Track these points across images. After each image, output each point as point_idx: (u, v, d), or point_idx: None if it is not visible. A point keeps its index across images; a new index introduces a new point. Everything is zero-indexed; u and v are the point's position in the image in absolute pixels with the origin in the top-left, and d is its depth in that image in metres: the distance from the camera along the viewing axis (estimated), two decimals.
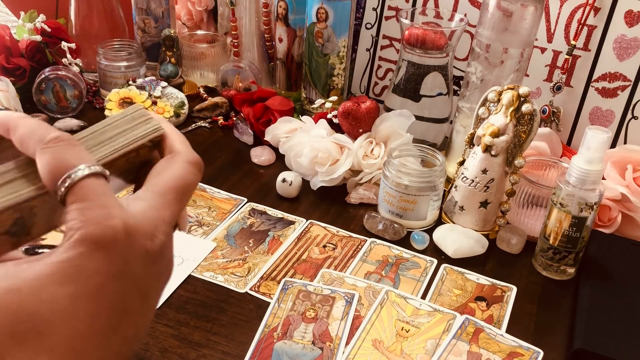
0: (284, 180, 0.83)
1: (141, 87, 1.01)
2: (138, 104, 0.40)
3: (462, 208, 0.77)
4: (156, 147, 0.38)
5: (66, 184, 0.31)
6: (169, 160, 0.37)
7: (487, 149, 0.73)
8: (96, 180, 0.32)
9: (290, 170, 0.86)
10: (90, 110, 1.04)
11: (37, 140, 0.32)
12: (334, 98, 0.95)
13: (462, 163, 0.79)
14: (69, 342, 0.30)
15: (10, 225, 0.32)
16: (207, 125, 1.01)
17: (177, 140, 0.38)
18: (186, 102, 1.02)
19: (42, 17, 1.02)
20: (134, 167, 0.37)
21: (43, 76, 0.98)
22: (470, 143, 0.77)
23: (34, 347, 0.29)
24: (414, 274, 0.71)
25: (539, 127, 0.73)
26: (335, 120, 0.87)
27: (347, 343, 0.60)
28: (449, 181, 0.83)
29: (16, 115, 0.34)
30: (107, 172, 0.33)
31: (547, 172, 0.81)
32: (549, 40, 0.88)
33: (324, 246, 0.75)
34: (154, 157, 0.38)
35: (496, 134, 0.72)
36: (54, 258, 0.30)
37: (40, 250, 0.38)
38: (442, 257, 0.75)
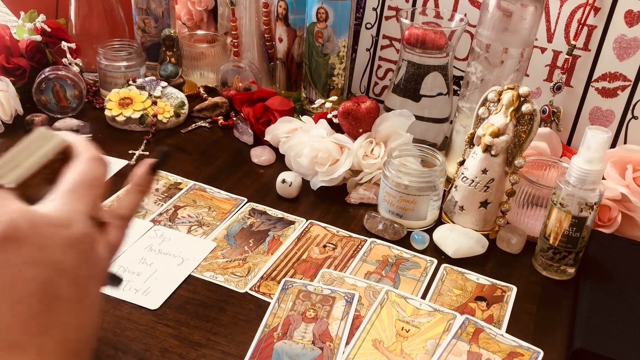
0: (283, 181, 0.83)
1: (141, 87, 1.01)
2: (40, 128, 0.44)
3: (462, 208, 0.77)
4: (67, 158, 0.42)
5: None
6: (72, 163, 0.41)
7: (487, 149, 0.73)
8: None
9: (290, 170, 0.86)
10: (90, 110, 1.04)
11: None
12: (334, 98, 0.95)
13: (462, 163, 0.79)
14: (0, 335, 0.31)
15: None
16: (207, 125, 1.01)
17: (78, 145, 0.42)
18: (186, 102, 1.02)
19: (42, 17, 1.02)
20: (54, 180, 0.41)
21: (43, 76, 0.98)
22: (470, 143, 0.77)
23: None
24: (414, 274, 0.71)
25: (539, 127, 0.73)
26: (335, 120, 0.87)
27: (347, 343, 0.60)
28: (449, 181, 0.83)
29: None
30: (11, 185, 0.37)
31: (547, 172, 0.81)
32: (549, 40, 0.88)
33: (324, 246, 0.75)
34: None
35: (496, 134, 0.72)
36: None
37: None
38: (442, 257, 0.75)
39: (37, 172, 0.40)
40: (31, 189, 0.38)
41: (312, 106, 0.98)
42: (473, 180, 0.75)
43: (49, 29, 1.02)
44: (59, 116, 0.99)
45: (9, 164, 0.39)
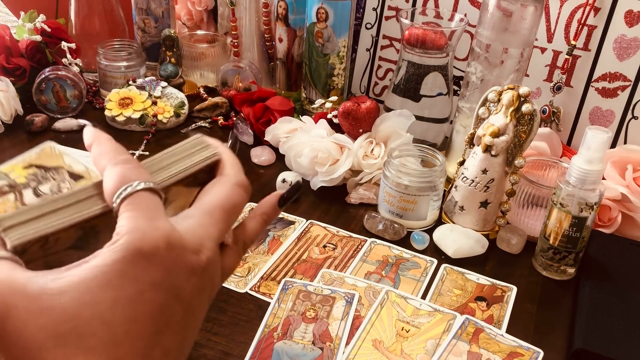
0: (284, 181, 0.83)
1: (141, 87, 1.01)
2: (198, 135, 0.43)
3: (462, 208, 0.77)
4: (213, 171, 0.40)
5: (122, 195, 0.34)
6: (217, 181, 0.40)
7: (487, 149, 0.73)
8: (149, 195, 0.35)
9: (290, 170, 0.86)
10: (90, 110, 1.04)
11: (108, 158, 0.37)
12: (334, 98, 0.95)
13: (462, 163, 0.79)
14: (106, 345, 0.31)
15: (75, 240, 0.35)
16: (207, 125, 1.01)
17: (228, 163, 0.41)
18: (186, 102, 1.02)
19: (42, 17, 1.02)
20: (194, 189, 0.40)
21: (43, 76, 0.98)
22: (470, 143, 0.77)
23: (73, 347, 0.30)
24: (414, 274, 0.71)
25: (539, 127, 0.73)
26: (335, 120, 0.87)
27: (347, 343, 0.60)
28: (449, 181, 0.83)
29: (104, 136, 0.40)
30: (162, 192, 0.36)
31: (547, 172, 0.81)
32: (549, 40, 0.88)
33: (324, 246, 0.75)
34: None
35: (496, 134, 0.72)
36: (99, 262, 0.32)
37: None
38: (442, 257, 0.75)
39: (181, 180, 0.39)
40: (169, 193, 0.38)
41: (312, 106, 0.98)
42: (473, 181, 0.75)
43: (49, 29, 1.02)
44: (59, 116, 0.99)
45: (156, 164, 0.39)
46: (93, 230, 0.35)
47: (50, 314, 0.30)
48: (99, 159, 0.37)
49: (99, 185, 0.36)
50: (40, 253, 0.33)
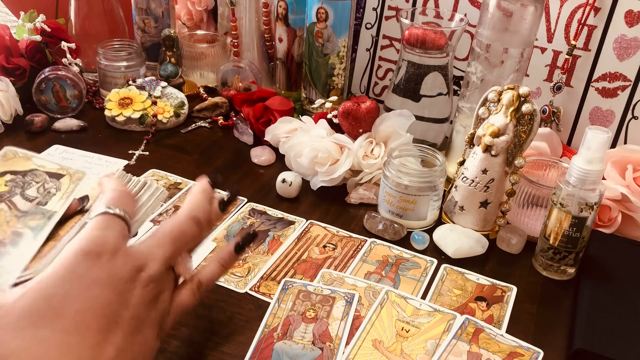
0: (283, 181, 0.83)
1: (141, 87, 1.01)
2: (152, 183, 0.55)
3: (462, 208, 0.77)
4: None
5: (99, 211, 0.43)
6: (174, 215, 0.47)
7: (487, 149, 0.73)
8: (117, 221, 0.42)
9: (290, 170, 0.86)
10: (90, 110, 1.04)
11: (111, 184, 0.47)
12: (334, 98, 0.95)
13: (462, 163, 0.79)
14: (57, 335, 0.35)
15: None
16: (207, 125, 1.01)
17: (188, 202, 0.49)
18: (186, 102, 1.02)
19: (42, 17, 1.02)
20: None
21: (43, 76, 0.98)
22: (470, 143, 0.77)
23: (29, 339, 0.34)
24: (414, 274, 0.71)
25: (539, 127, 0.73)
26: (335, 120, 0.87)
27: (347, 343, 0.60)
28: (449, 181, 0.83)
29: (114, 178, 0.51)
30: (130, 222, 0.44)
31: (547, 172, 0.81)
32: (549, 40, 0.88)
33: (324, 246, 0.75)
34: None
35: (496, 134, 0.72)
36: (52, 265, 0.38)
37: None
38: (442, 257, 0.75)
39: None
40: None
41: (312, 106, 0.98)
42: (473, 181, 0.75)
43: (48, 29, 1.02)
44: (59, 116, 0.99)
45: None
46: None
47: (10, 314, 0.35)
48: (102, 187, 0.48)
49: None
50: None
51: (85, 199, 0.57)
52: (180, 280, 0.49)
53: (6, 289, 0.39)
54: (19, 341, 0.34)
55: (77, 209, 0.56)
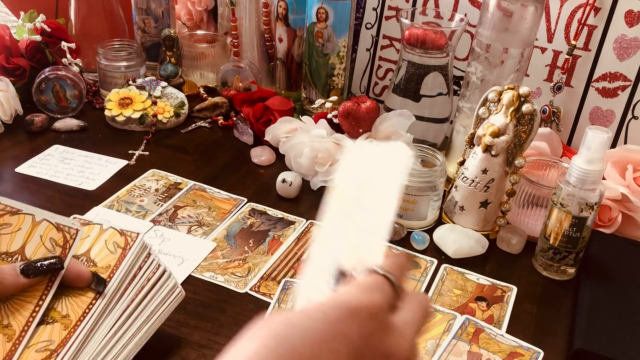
0: (283, 181, 0.83)
1: (141, 87, 1.01)
2: None
3: (462, 208, 0.77)
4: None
5: (372, 269, 0.38)
6: (413, 299, 0.40)
7: (487, 149, 0.73)
8: (387, 285, 0.38)
9: (290, 170, 0.86)
10: (90, 110, 1.04)
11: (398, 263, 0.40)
12: (334, 98, 0.95)
13: (462, 163, 0.79)
14: None
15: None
16: (207, 125, 1.01)
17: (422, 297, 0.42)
18: (186, 102, 1.02)
19: (42, 17, 1.02)
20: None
21: (43, 76, 0.98)
22: (471, 143, 0.77)
23: None
24: (414, 274, 0.71)
25: (539, 127, 0.73)
26: (335, 120, 0.87)
27: None
28: (449, 181, 0.83)
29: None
30: (399, 296, 0.38)
31: (547, 172, 0.81)
32: (549, 40, 0.88)
33: None
34: None
35: (496, 134, 0.72)
36: (325, 315, 0.34)
37: (37, 264, 0.48)
38: (442, 257, 0.74)
39: None
40: None
41: (312, 106, 0.98)
42: (473, 181, 0.75)
43: (48, 29, 1.02)
44: (59, 116, 0.99)
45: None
46: None
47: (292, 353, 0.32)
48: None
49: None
50: None
51: (101, 282, 0.51)
52: None
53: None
54: None
55: (89, 285, 0.51)
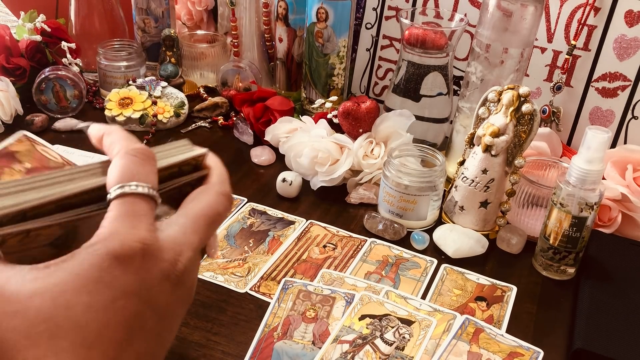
0: (284, 180, 0.83)
1: (141, 87, 1.01)
2: (183, 141, 0.43)
3: (462, 208, 0.77)
4: (197, 170, 0.41)
5: (117, 192, 0.34)
6: (203, 190, 0.40)
7: (487, 149, 0.73)
8: (141, 202, 0.35)
9: (290, 170, 0.86)
10: (90, 110, 1.04)
11: (120, 146, 0.37)
12: (334, 98, 0.95)
13: (462, 163, 0.79)
14: (77, 347, 0.31)
15: (54, 238, 0.35)
16: (207, 125, 1.01)
17: (214, 173, 0.42)
18: (186, 102, 1.02)
19: (42, 17, 1.02)
20: (179, 194, 0.40)
21: (43, 76, 0.98)
22: (470, 143, 0.77)
23: (44, 349, 0.31)
24: (414, 274, 0.71)
25: (539, 127, 0.73)
26: (335, 120, 0.87)
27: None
28: (449, 181, 0.83)
29: (113, 127, 0.40)
30: (159, 199, 0.35)
31: (547, 172, 0.81)
32: (549, 40, 0.88)
33: (324, 246, 0.75)
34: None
35: (496, 134, 0.72)
36: (75, 264, 0.32)
37: None
38: (442, 257, 0.75)
39: (166, 168, 0.39)
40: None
41: (312, 106, 0.98)
42: (473, 180, 0.75)
43: (49, 29, 1.02)
44: (59, 116, 0.99)
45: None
46: (73, 230, 0.35)
47: (24, 315, 0.31)
48: (111, 148, 0.38)
49: (105, 164, 0.36)
50: (17, 247, 0.33)
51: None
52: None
53: (14, 267, 0.32)
54: (33, 350, 0.31)
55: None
